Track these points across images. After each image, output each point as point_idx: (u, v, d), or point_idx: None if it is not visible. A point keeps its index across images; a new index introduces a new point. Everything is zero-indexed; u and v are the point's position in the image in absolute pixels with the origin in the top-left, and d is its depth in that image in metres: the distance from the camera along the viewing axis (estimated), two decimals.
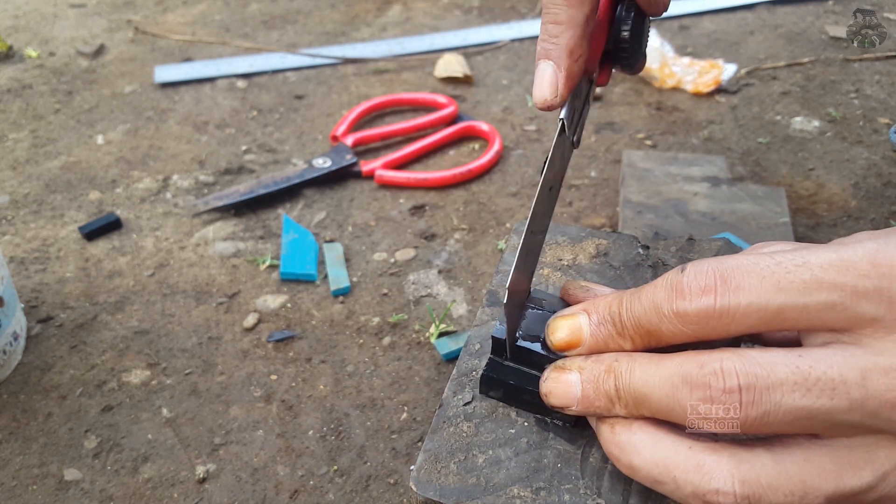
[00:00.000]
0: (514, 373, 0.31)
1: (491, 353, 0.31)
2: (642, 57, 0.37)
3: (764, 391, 0.22)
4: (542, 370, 0.29)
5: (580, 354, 0.27)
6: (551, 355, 0.29)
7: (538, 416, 0.31)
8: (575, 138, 0.33)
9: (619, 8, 0.35)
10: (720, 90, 0.79)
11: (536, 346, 0.29)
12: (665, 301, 0.24)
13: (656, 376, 0.24)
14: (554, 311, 0.30)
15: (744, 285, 0.23)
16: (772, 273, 0.23)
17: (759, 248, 0.27)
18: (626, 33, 0.35)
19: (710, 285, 0.23)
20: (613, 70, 0.38)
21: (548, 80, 0.32)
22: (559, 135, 0.32)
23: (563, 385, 0.27)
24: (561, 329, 0.28)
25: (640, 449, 0.25)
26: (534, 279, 0.36)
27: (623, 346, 0.26)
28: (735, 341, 0.26)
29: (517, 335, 0.30)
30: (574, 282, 0.32)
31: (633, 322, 0.25)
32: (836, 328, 0.23)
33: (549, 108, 0.32)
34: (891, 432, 0.22)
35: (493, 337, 0.30)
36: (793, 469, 0.22)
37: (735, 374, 0.22)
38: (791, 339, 0.27)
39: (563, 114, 0.32)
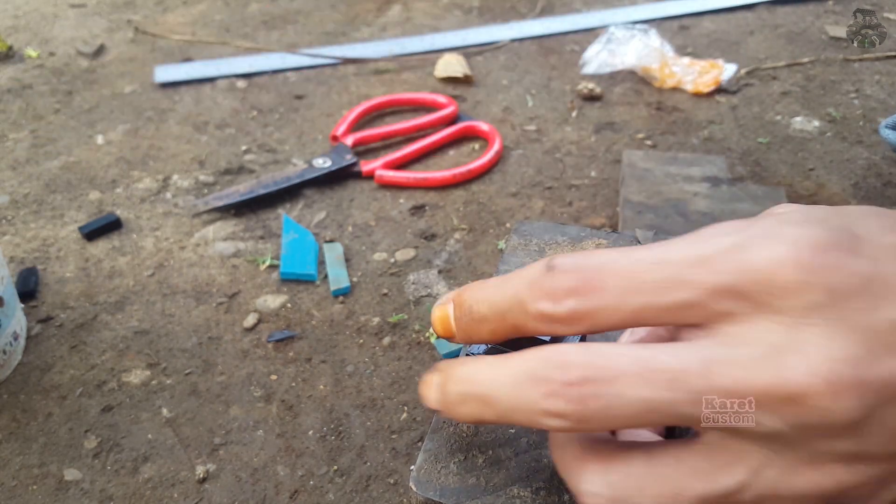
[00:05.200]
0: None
1: None
2: None
3: (605, 383, 0.21)
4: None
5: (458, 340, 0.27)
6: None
7: None
8: None
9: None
10: (720, 90, 0.79)
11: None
12: (530, 300, 0.24)
13: (502, 376, 0.24)
14: None
15: (605, 286, 0.23)
16: (630, 272, 0.23)
17: (770, 212, 0.26)
18: None
19: (573, 287, 0.23)
20: None
21: None
22: None
23: (426, 387, 0.27)
24: (434, 321, 0.28)
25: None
26: None
27: (484, 338, 0.26)
28: None
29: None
30: None
31: (495, 313, 0.25)
32: (695, 323, 0.22)
33: None
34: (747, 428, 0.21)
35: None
36: (665, 470, 0.22)
37: (577, 366, 0.22)
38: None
39: None
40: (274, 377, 0.49)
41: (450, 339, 0.28)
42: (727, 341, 0.22)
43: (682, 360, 0.21)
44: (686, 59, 0.82)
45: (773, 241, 0.22)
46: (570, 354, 0.22)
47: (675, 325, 0.23)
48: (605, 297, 0.23)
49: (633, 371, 0.21)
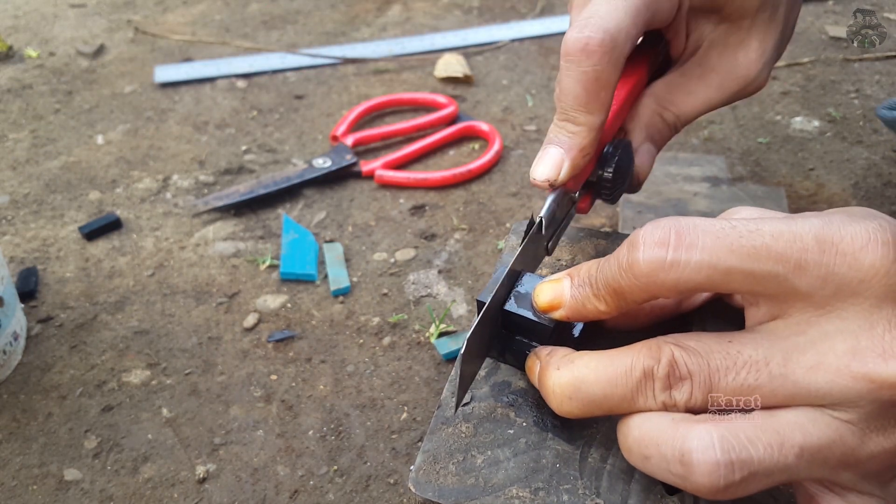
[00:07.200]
0: (499, 334, 0.33)
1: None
2: (626, 190, 0.40)
3: (707, 377, 0.25)
4: (525, 334, 0.31)
5: (564, 315, 0.30)
6: (537, 318, 0.31)
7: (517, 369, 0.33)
8: (549, 244, 0.35)
9: (607, 147, 0.37)
10: None
11: (522, 311, 0.31)
12: (624, 255, 0.26)
13: (613, 374, 0.26)
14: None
15: (697, 243, 0.24)
16: (726, 235, 0.24)
17: (729, 215, 0.29)
18: (608, 174, 0.37)
19: (664, 239, 0.25)
20: (596, 200, 0.40)
21: (553, 162, 0.34)
22: (535, 231, 0.34)
23: (529, 373, 0.30)
24: (545, 292, 0.30)
25: (631, 428, 0.26)
26: None
27: (598, 308, 0.28)
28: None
29: (508, 301, 0.32)
30: None
31: (603, 282, 0.27)
32: (775, 296, 0.25)
33: (547, 186, 0.34)
34: (829, 404, 0.24)
35: (477, 300, 0.32)
36: (766, 423, 0.24)
37: (685, 364, 0.25)
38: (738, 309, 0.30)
39: (542, 213, 0.34)
40: (274, 377, 0.49)
41: (558, 308, 0.30)
42: (804, 327, 0.24)
43: (764, 350, 0.25)
44: None
45: (857, 225, 0.24)
46: (676, 352, 0.25)
47: (755, 293, 0.25)
48: (696, 253, 0.24)
49: (725, 364, 0.25)
